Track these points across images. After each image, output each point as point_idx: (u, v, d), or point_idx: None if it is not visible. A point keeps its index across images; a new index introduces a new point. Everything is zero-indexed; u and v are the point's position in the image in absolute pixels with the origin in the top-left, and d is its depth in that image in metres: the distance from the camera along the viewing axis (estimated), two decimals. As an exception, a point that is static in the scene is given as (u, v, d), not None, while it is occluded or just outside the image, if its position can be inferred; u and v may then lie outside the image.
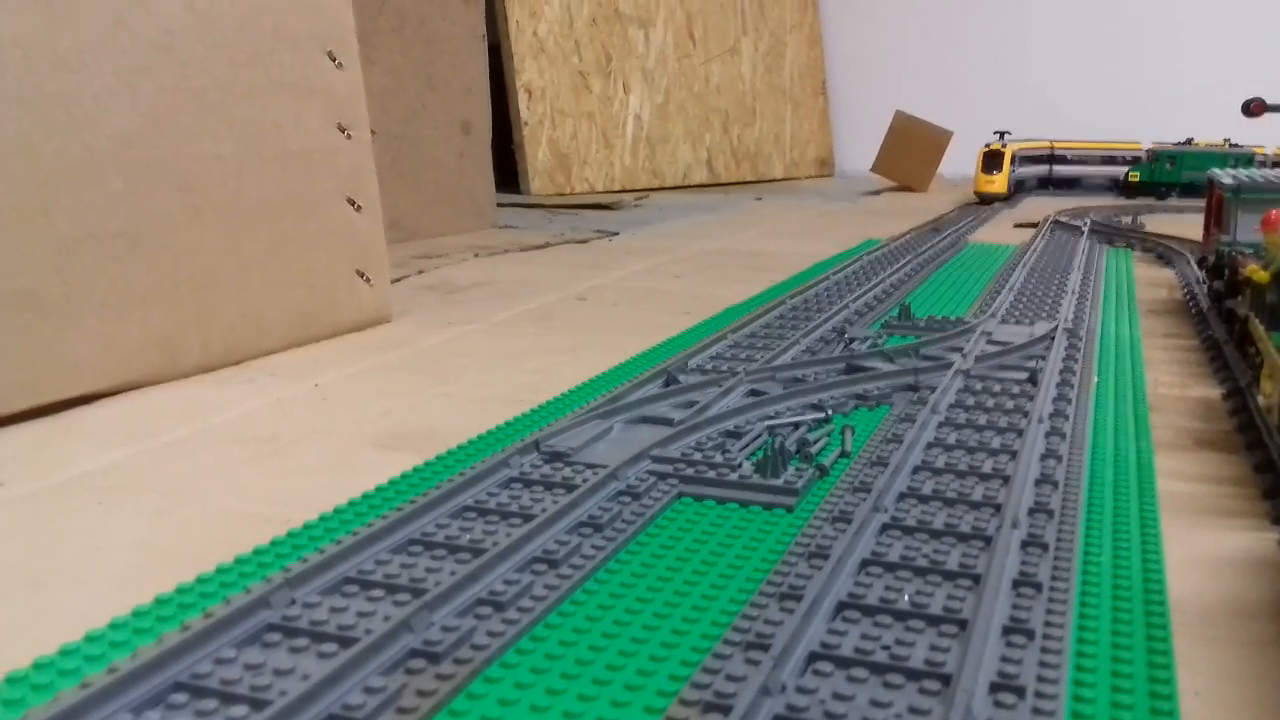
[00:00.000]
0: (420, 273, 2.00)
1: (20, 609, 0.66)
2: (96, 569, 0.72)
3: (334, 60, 1.43)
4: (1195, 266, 1.86)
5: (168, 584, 0.67)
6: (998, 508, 0.75)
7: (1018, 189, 3.72)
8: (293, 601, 0.61)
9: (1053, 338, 1.25)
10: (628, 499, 0.79)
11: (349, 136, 1.45)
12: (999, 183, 3.44)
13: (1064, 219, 2.67)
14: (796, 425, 0.98)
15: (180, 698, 0.52)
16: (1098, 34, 4.88)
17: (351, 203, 1.46)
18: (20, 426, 1.03)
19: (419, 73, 2.49)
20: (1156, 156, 3.66)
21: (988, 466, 0.84)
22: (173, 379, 1.20)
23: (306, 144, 1.38)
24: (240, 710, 0.51)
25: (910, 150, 4.24)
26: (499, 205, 2.90)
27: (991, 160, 3.49)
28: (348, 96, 1.44)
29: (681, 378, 1.12)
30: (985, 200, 3.43)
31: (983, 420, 0.96)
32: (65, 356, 1.08)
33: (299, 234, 1.37)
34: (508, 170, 3.55)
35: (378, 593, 0.63)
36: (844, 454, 0.91)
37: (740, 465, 0.85)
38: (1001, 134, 3.69)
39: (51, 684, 0.55)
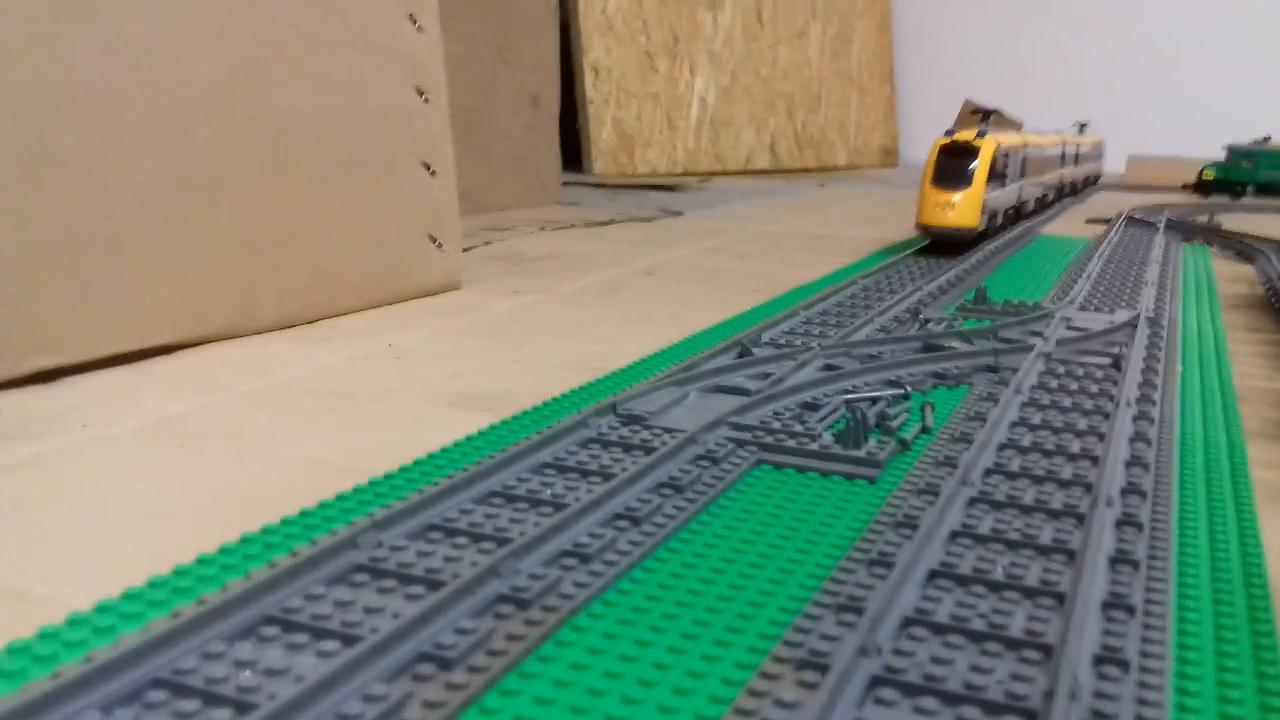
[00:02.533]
0: (488, 243, 2.00)
1: (108, 544, 0.66)
2: (180, 508, 0.72)
3: (414, 22, 1.43)
4: (1278, 262, 1.81)
5: (251, 525, 0.67)
6: (1088, 487, 0.73)
7: (1009, 219, 2.20)
8: (379, 544, 0.61)
9: (1134, 325, 1.23)
10: (707, 463, 0.78)
11: (426, 100, 1.45)
12: (963, 209, 1.85)
13: (1138, 215, 2.62)
14: (874, 400, 0.96)
15: (271, 630, 0.52)
16: (1176, 28, 4.78)
17: (426, 167, 1.46)
18: (102, 373, 1.04)
19: (490, 43, 2.49)
20: (1233, 155, 3.58)
21: (1075, 447, 0.82)
22: (248, 334, 1.21)
23: (385, 104, 1.38)
24: (331, 645, 0.51)
25: (978, 141, 4.17)
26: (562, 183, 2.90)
27: (952, 163, 1.89)
28: (426, 59, 1.44)
29: (755, 350, 1.11)
30: (937, 239, 1.91)
31: (1067, 402, 0.94)
32: (146, 304, 1.09)
33: (374, 195, 1.38)
34: (570, 149, 3.54)
35: (462, 540, 0.63)
36: (925, 430, 0.89)
37: (820, 436, 0.84)
38: (985, 114, 2.11)
39: (141, 614, 0.56)
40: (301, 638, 0.51)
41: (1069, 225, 2.63)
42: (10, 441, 0.84)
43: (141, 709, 0.46)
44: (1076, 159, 3.24)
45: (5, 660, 0.51)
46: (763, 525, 0.70)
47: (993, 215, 1.99)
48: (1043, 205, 2.70)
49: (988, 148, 1.90)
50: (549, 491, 0.71)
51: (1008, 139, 2.09)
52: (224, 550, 0.63)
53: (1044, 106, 4.19)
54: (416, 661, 0.50)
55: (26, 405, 0.94)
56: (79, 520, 0.70)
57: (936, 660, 0.51)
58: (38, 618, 0.55)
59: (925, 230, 1.90)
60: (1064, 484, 0.74)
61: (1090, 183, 3.55)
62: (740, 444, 0.83)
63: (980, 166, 1.88)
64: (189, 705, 0.46)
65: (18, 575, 0.62)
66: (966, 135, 1.93)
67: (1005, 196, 2.10)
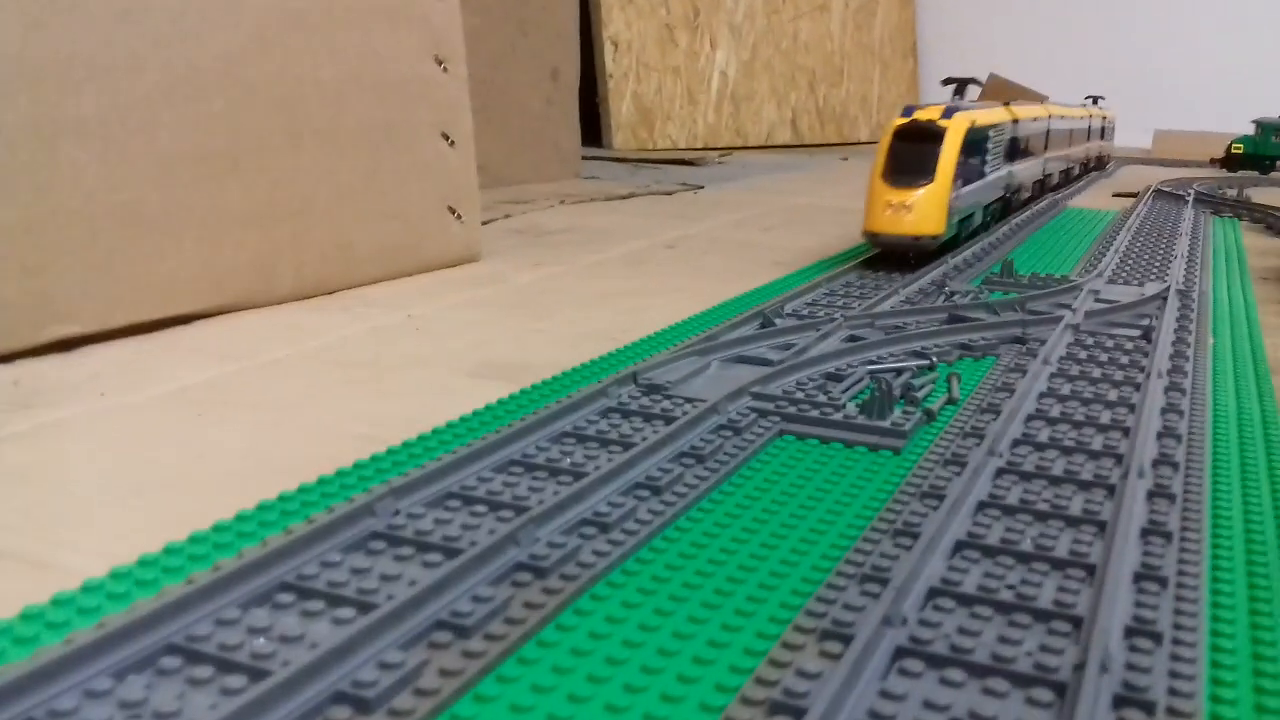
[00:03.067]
0: (507, 216, 1.99)
1: (124, 510, 0.66)
2: (198, 476, 0.72)
3: (432, -8, 1.41)
4: (1310, 236, 1.78)
5: (269, 492, 0.66)
6: (1119, 458, 0.72)
7: (994, 215, 1.81)
8: (396, 512, 0.60)
9: (1164, 298, 1.21)
10: (729, 433, 0.77)
11: (445, 69, 1.43)
12: (922, 212, 1.42)
13: (1166, 189, 2.58)
14: (899, 371, 0.95)
15: (286, 598, 0.51)
16: (1203, 1, 4.71)
17: (445, 137, 1.45)
18: (120, 342, 1.04)
19: (509, 15, 2.47)
20: (1262, 129, 3.53)
21: (1105, 418, 0.80)
22: (267, 304, 1.20)
23: (403, 74, 1.37)
24: (347, 612, 0.50)
25: (1002, 116, 4.12)
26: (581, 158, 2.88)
27: (909, 151, 1.47)
28: (445, 28, 1.42)
29: (778, 321, 1.10)
30: (888, 250, 1.48)
31: (1097, 373, 0.92)
32: (164, 274, 1.09)
33: (393, 165, 1.37)
34: (590, 123, 3.51)
35: (480, 508, 0.62)
36: (951, 401, 0.88)
37: (844, 406, 0.83)
38: (960, 86, 1.75)
39: (156, 580, 0.55)
40: (317, 605, 0.51)
41: (1095, 199, 2.60)
42: (28, 410, 0.84)
43: (154, 675, 0.45)
44: (1088, 134, 2.92)
45: (19, 626, 0.50)
46: (786, 495, 0.69)
47: (965, 217, 1.57)
48: (1044, 189, 2.34)
49: (956, 129, 1.47)
50: (568, 460, 0.70)
51: (988, 115, 1.65)
52: (240, 517, 0.63)
53: (1069, 81, 4.13)
54: (433, 629, 0.49)
55: (44, 374, 0.93)
56: (95, 487, 0.69)
57: (963, 631, 0.50)
58: (53, 583, 0.54)
59: (873, 239, 1.45)
60: (1094, 455, 0.73)
61: (1104, 162, 3.40)
62: (763, 414, 0.82)
63: (946, 155, 1.44)
64: (202, 672, 0.45)
65: (33, 541, 0.61)
66: (930, 114, 1.50)
67: (985, 190, 1.67)
